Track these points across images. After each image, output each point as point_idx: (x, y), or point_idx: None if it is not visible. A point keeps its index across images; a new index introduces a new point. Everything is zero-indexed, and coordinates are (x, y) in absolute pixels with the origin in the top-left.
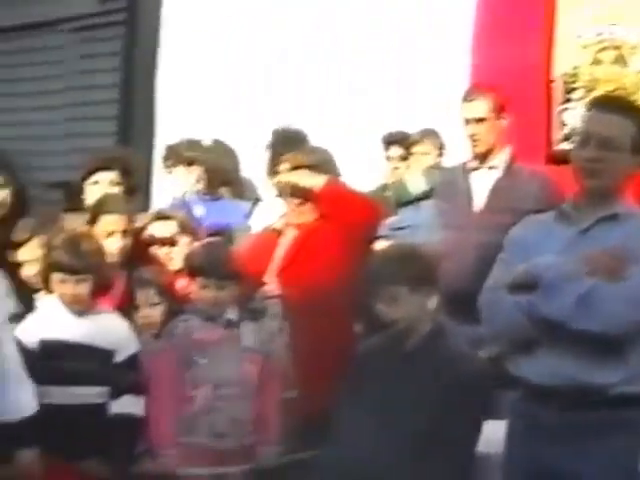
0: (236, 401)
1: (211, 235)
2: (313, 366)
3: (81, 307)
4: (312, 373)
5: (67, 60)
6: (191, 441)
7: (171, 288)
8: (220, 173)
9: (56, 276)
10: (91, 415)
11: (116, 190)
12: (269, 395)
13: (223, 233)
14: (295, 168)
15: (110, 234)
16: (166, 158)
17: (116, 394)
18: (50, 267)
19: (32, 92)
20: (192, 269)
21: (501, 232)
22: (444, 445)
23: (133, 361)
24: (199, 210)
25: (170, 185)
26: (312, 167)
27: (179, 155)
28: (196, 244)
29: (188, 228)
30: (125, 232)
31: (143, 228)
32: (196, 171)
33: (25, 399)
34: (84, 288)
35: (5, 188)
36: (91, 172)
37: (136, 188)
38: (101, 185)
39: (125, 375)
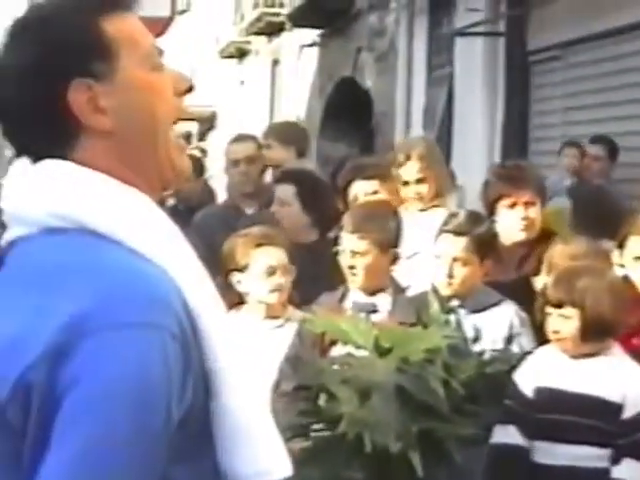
0: None
1: None
2: None
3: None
4: None
5: None
6: None
7: None
8: None
9: None
10: None
11: None
12: None
13: None
14: None
15: (638, 259)
16: None
17: (619, 457)
18: None
19: (623, 101)
20: None
21: None
22: None
23: None
24: None
25: None
26: None
27: None
28: None
29: None
30: None
31: None
32: None
33: (258, 462)
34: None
35: None
36: None
37: None
38: None
39: (632, 435)
